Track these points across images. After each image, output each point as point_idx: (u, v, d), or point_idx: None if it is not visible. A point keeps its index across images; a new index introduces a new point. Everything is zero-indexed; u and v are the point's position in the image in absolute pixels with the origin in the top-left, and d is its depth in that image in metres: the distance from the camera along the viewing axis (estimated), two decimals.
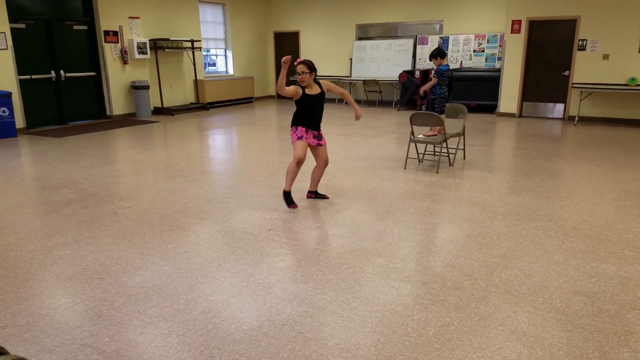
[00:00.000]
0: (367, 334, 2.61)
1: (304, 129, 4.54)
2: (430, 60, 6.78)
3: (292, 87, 4.38)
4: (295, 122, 4.56)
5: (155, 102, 11.71)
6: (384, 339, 2.57)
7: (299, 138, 4.52)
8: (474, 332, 2.62)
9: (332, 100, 14.14)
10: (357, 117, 4.80)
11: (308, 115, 4.54)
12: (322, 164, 4.77)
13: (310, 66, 4.41)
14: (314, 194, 4.99)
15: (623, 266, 3.41)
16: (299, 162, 4.52)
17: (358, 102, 13.78)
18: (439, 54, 6.58)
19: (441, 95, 6.67)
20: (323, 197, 5.01)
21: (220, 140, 8.40)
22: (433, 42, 12.30)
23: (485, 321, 2.73)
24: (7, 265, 3.50)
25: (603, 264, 3.45)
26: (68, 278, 3.28)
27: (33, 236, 4.04)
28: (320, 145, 4.69)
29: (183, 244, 3.86)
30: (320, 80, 4.56)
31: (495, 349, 2.47)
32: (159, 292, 3.08)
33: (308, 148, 4.62)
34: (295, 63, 4.41)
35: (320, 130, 4.68)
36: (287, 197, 4.61)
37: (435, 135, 6.47)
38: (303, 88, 4.45)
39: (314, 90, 4.50)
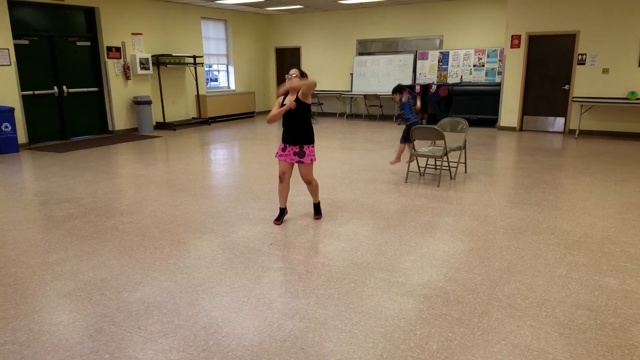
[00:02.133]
0: (369, 350, 2.59)
1: (283, 145, 4.44)
2: (394, 95, 6.97)
3: (275, 104, 4.36)
4: (282, 137, 4.50)
5: (157, 117, 11.77)
6: (387, 354, 2.55)
7: (278, 155, 4.47)
8: (477, 347, 2.60)
9: (332, 115, 14.20)
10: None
11: (285, 126, 4.41)
12: (304, 180, 4.55)
13: (303, 73, 4.32)
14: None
15: (626, 279, 3.39)
16: (280, 179, 4.51)
17: (359, 116, 13.85)
18: (398, 89, 6.89)
19: (414, 120, 6.83)
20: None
21: (222, 154, 8.42)
22: (433, 57, 12.37)
23: (488, 336, 2.71)
24: (7, 281, 3.49)
25: (606, 277, 3.43)
26: (69, 294, 3.27)
27: (34, 252, 4.03)
28: (302, 163, 4.41)
29: (184, 259, 3.85)
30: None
31: None
32: (160, 308, 3.06)
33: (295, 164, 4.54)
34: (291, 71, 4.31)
35: (304, 146, 4.38)
36: (280, 213, 4.66)
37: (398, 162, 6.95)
38: (285, 97, 4.37)
39: (291, 98, 4.33)
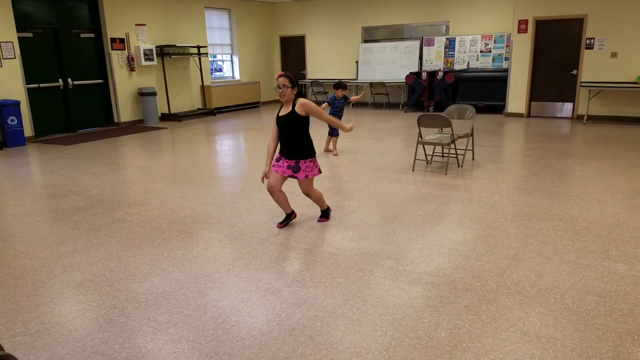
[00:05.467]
0: (377, 338, 2.59)
1: (278, 156, 4.08)
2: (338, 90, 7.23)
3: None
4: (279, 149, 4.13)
5: (162, 108, 11.77)
6: (395, 342, 2.55)
7: (272, 166, 4.11)
8: (486, 334, 2.59)
9: None
10: (344, 130, 4.22)
11: (281, 141, 4.03)
12: (303, 193, 4.21)
13: (292, 80, 3.86)
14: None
15: (635, 265, 3.36)
16: (270, 193, 4.13)
17: (364, 104, 13.77)
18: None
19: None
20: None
21: (228, 145, 8.42)
22: (439, 44, 12.27)
23: (496, 323, 2.70)
24: (17, 273, 3.51)
25: (615, 263, 3.41)
26: (78, 285, 3.29)
27: (42, 244, 4.06)
28: (296, 178, 4.04)
29: (192, 249, 3.86)
30: (300, 100, 3.91)
31: (508, 351, 2.44)
32: (169, 298, 3.08)
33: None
34: (277, 76, 3.88)
35: (300, 160, 3.98)
36: (285, 217, 4.35)
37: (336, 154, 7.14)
38: (281, 107, 4.02)
39: (286, 110, 3.94)
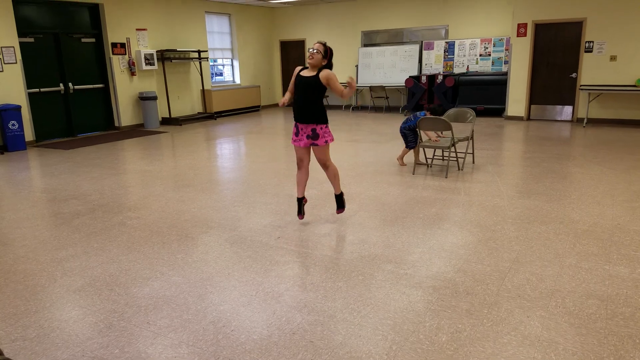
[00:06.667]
0: (378, 342, 2.58)
1: (295, 129, 4.20)
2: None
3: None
4: (293, 115, 4.22)
5: (163, 112, 11.78)
6: (396, 346, 2.54)
7: (293, 140, 4.27)
8: (487, 338, 2.59)
9: (338, 107, 14.15)
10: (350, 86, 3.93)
11: (295, 101, 4.15)
12: (320, 164, 4.28)
13: (327, 51, 4.02)
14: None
15: (636, 268, 3.36)
16: (298, 166, 4.32)
17: (364, 108, 13.79)
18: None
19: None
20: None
21: (228, 149, 8.42)
22: (439, 47, 12.29)
23: (498, 327, 2.69)
24: (17, 277, 3.51)
25: (616, 266, 3.40)
26: (78, 290, 3.29)
27: (42, 248, 4.05)
28: (316, 145, 4.16)
29: (192, 253, 3.85)
30: (327, 70, 4.05)
31: (509, 355, 2.44)
32: (169, 303, 3.07)
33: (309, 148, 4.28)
34: (315, 43, 4.09)
35: (316, 127, 4.11)
36: (298, 205, 4.43)
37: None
38: (302, 69, 4.16)
39: (310, 73, 4.08)
